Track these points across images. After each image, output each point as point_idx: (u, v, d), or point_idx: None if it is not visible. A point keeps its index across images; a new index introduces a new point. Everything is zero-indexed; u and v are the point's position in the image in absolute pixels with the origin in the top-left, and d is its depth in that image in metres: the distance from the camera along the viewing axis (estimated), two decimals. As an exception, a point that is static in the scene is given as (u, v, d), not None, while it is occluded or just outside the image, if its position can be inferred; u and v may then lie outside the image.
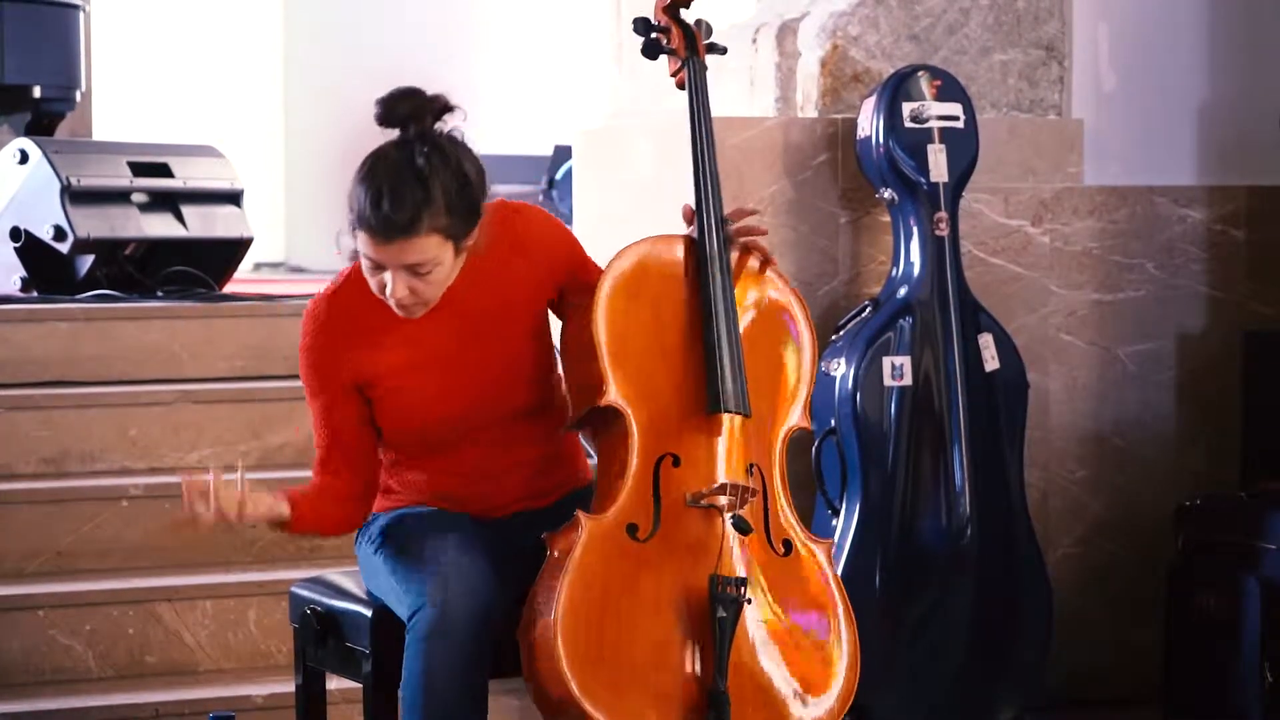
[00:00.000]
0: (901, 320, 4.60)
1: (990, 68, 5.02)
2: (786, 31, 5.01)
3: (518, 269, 3.48)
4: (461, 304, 3.45)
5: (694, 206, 3.54)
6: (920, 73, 4.73)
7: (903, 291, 4.64)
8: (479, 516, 3.55)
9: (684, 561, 3.32)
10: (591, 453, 3.61)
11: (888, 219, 4.77)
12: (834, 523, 4.57)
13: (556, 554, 3.35)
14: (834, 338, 4.67)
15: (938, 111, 4.70)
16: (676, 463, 3.37)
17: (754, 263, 3.54)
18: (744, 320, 3.48)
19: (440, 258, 3.32)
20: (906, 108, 4.68)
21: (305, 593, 3.79)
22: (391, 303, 3.36)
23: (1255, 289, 5.20)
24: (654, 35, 3.67)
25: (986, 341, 4.67)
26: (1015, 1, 5.03)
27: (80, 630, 4.55)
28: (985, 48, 5.02)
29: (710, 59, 3.69)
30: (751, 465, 3.43)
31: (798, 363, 3.54)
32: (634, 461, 3.36)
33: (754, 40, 5.08)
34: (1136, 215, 5.11)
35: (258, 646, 4.67)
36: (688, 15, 3.68)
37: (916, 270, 4.65)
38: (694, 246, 3.51)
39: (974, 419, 4.61)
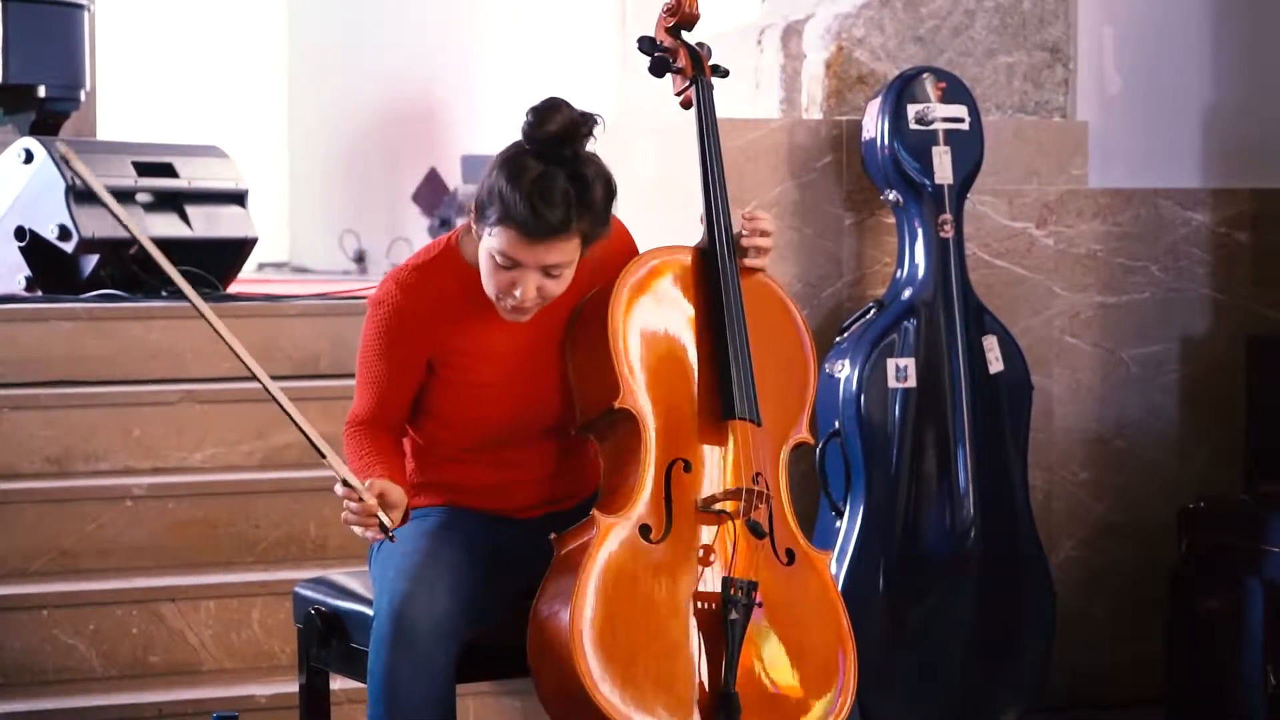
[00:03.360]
0: (906, 322, 4.60)
1: (995, 70, 5.03)
2: (791, 33, 5.01)
3: (594, 283, 3.52)
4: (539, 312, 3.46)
5: (705, 219, 3.56)
6: (925, 75, 4.73)
7: (907, 293, 4.65)
8: (505, 515, 3.58)
9: (695, 564, 3.34)
10: None
11: (892, 221, 4.77)
12: (838, 524, 4.57)
13: (566, 553, 3.37)
14: (838, 339, 4.68)
15: (942, 113, 4.70)
16: (688, 468, 3.40)
17: (759, 273, 3.57)
18: (752, 331, 3.50)
19: (573, 260, 3.35)
20: (911, 110, 4.68)
21: (309, 593, 3.79)
22: (508, 303, 3.35)
23: (1259, 292, 5.20)
24: (659, 54, 3.70)
25: (991, 343, 4.67)
26: (1020, 4, 5.04)
27: (83, 630, 4.55)
28: (990, 50, 5.02)
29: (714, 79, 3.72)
30: (757, 475, 3.45)
31: (802, 374, 3.58)
32: (647, 466, 3.38)
33: (759, 42, 5.08)
34: (1141, 218, 5.11)
35: (261, 647, 4.67)
36: (689, 37, 3.71)
37: (921, 272, 4.65)
38: (703, 257, 3.54)
39: (978, 421, 4.61)
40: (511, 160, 3.33)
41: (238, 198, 6.18)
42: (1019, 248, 4.99)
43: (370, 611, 3.56)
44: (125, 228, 3.18)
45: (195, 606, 4.63)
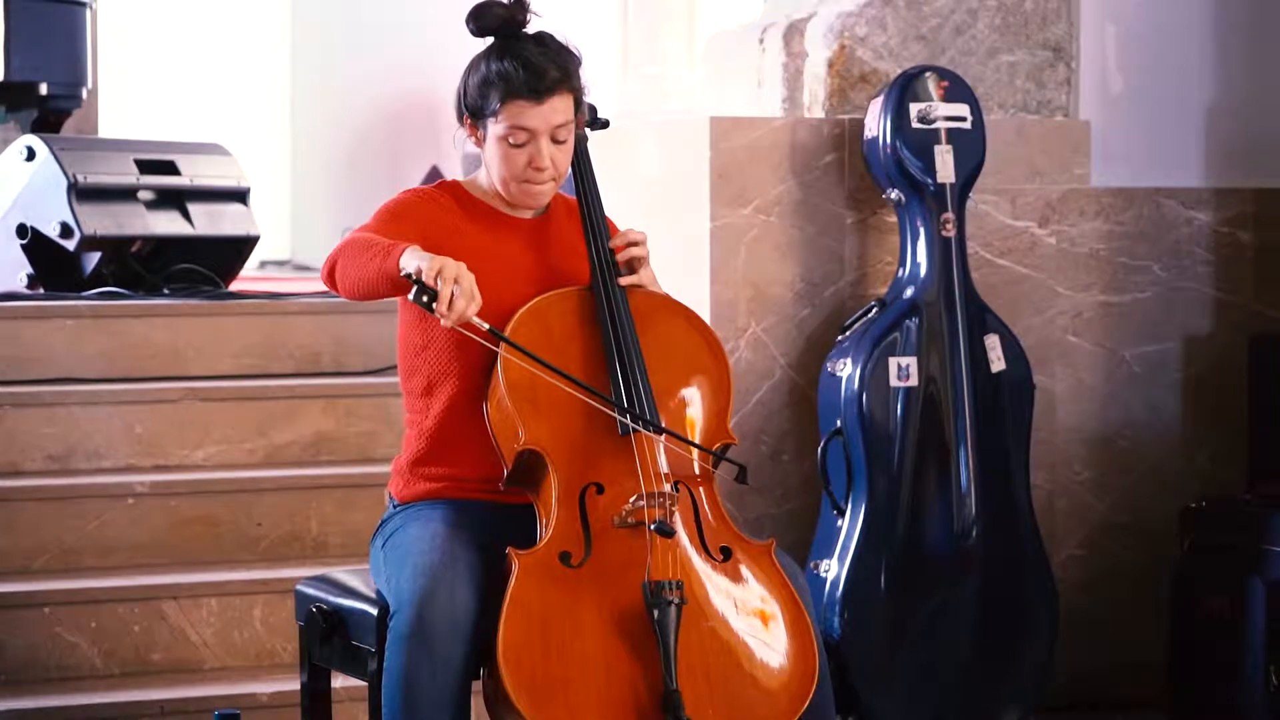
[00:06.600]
0: (908, 321, 4.60)
1: (997, 69, 5.02)
2: (794, 32, 5.01)
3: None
4: (541, 232, 3.67)
5: (587, 249, 3.67)
6: (927, 73, 4.73)
7: (909, 292, 4.64)
8: (500, 501, 3.60)
9: (620, 579, 3.42)
10: None
11: (894, 220, 4.77)
12: (839, 523, 4.57)
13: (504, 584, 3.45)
14: (840, 338, 4.67)
15: (945, 112, 4.70)
16: (600, 490, 3.49)
17: (654, 292, 3.68)
18: (652, 346, 3.59)
19: (571, 122, 3.57)
20: (914, 108, 4.68)
21: (311, 591, 3.79)
22: (530, 178, 3.55)
23: (1262, 292, 5.20)
24: None
25: (993, 342, 4.67)
26: (1023, 2, 5.03)
27: (85, 627, 4.55)
28: (992, 49, 5.02)
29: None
30: (676, 483, 3.52)
31: (713, 379, 3.64)
32: (559, 496, 3.47)
33: (761, 41, 5.08)
34: (1143, 217, 5.11)
35: (263, 644, 4.67)
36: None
37: (923, 271, 4.65)
38: (590, 289, 3.63)
39: (980, 420, 4.61)
40: (489, 52, 3.57)
41: (240, 195, 6.18)
42: (1021, 247, 4.99)
43: (372, 610, 3.56)
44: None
45: (197, 604, 4.64)
